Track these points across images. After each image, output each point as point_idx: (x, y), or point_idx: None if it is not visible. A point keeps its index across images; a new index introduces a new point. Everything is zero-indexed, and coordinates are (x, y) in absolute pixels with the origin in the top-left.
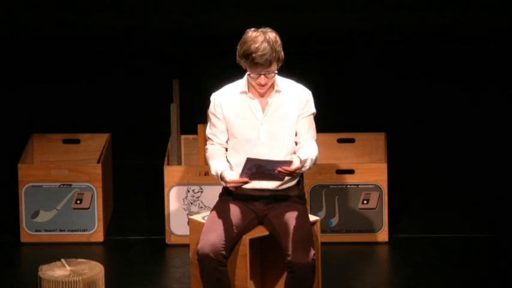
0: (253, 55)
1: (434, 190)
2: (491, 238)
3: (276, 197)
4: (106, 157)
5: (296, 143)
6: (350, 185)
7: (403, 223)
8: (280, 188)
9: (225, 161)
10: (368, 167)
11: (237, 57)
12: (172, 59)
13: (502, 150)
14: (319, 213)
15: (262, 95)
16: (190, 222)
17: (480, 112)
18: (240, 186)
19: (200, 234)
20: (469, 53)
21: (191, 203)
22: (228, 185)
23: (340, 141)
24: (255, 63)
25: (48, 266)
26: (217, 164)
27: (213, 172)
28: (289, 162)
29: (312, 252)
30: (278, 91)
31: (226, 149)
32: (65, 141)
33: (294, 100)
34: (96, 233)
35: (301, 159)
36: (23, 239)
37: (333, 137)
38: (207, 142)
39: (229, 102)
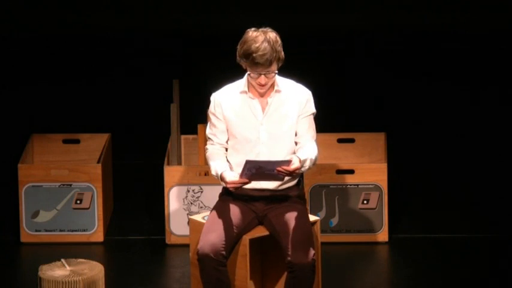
0: (254, 55)
1: (434, 190)
2: (491, 238)
3: (276, 197)
4: (106, 157)
5: (296, 143)
6: (350, 185)
7: (403, 223)
8: (280, 188)
9: (225, 161)
10: (368, 167)
11: (237, 57)
12: (172, 59)
13: (502, 150)
14: (319, 213)
15: (262, 95)
16: (190, 222)
17: (480, 112)
18: (240, 187)
19: (200, 234)
20: (469, 53)
21: (191, 203)
22: (228, 186)
23: (340, 141)
24: (255, 63)
25: (48, 266)
26: (217, 165)
27: (213, 172)
28: (289, 162)
29: (312, 252)
30: (278, 91)
31: (226, 149)
32: (65, 141)
33: (294, 100)
34: (96, 233)
35: (300, 159)
36: (23, 239)
37: (333, 137)
38: (207, 142)
39: (229, 102)
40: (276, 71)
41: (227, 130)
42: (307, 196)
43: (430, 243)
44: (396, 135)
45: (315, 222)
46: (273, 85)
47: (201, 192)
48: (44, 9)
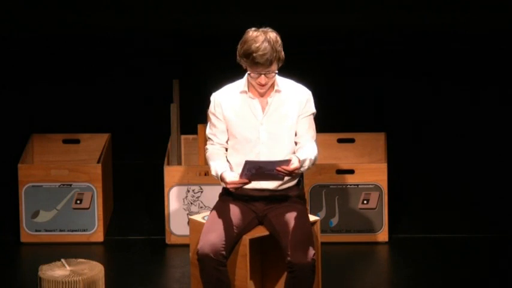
0: (254, 55)
1: (434, 190)
2: (491, 238)
3: (276, 197)
4: (106, 157)
5: (296, 143)
6: (350, 185)
7: (403, 223)
8: (280, 188)
9: (225, 162)
10: (368, 167)
11: (238, 57)
12: (172, 59)
13: (502, 150)
14: (319, 213)
15: (262, 95)
16: (190, 222)
17: (480, 112)
18: (240, 188)
19: (200, 234)
20: (469, 53)
21: (191, 203)
22: (228, 186)
23: (340, 141)
24: (256, 62)
25: (48, 266)
26: (217, 165)
27: (213, 173)
28: (288, 162)
29: (312, 252)
30: (278, 91)
31: (227, 149)
32: (65, 141)
33: (294, 100)
34: (96, 233)
35: (299, 159)
36: (23, 239)
37: (333, 137)
38: (207, 142)
39: (229, 102)
40: (276, 71)
41: (227, 130)
42: (307, 196)
43: (430, 243)
44: (396, 135)
45: (315, 222)
46: (273, 85)
47: (201, 192)
48: (44, 9)
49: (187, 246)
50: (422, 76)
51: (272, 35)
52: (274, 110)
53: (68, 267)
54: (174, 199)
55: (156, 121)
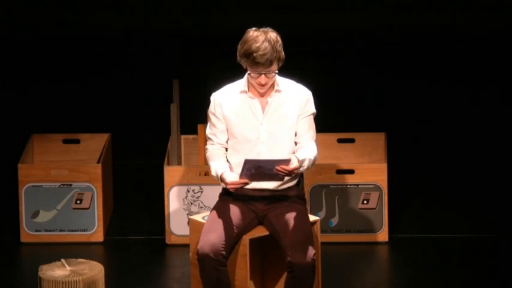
0: (254, 54)
1: (434, 190)
2: (491, 238)
3: (275, 197)
4: (106, 157)
5: (295, 143)
6: (350, 185)
7: (403, 223)
8: (280, 188)
9: (225, 162)
10: (368, 167)
11: (238, 57)
12: (172, 59)
13: (502, 150)
14: (319, 213)
15: (262, 95)
16: (190, 222)
17: (480, 112)
18: (240, 188)
19: (200, 234)
20: (469, 53)
21: (191, 203)
22: (228, 187)
23: (340, 141)
24: (256, 62)
25: (48, 266)
26: (217, 165)
27: (213, 173)
28: (287, 161)
29: (312, 252)
30: (278, 91)
31: (226, 149)
32: (65, 141)
33: (294, 100)
34: (96, 233)
35: (298, 159)
36: (23, 239)
37: (333, 137)
38: (207, 142)
39: (229, 102)
40: (276, 71)
41: (227, 130)
42: (307, 196)
43: (430, 243)
44: (396, 135)
45: (315, 222)
46: (273, 85)
47: (201, 192)
48: (44, 9)
49: (187, 246)
50: (422, 76)
51: (272, 35)
52: (274, 110)
53: (68, 267)
54: (174, 199)
55: (156, 121)
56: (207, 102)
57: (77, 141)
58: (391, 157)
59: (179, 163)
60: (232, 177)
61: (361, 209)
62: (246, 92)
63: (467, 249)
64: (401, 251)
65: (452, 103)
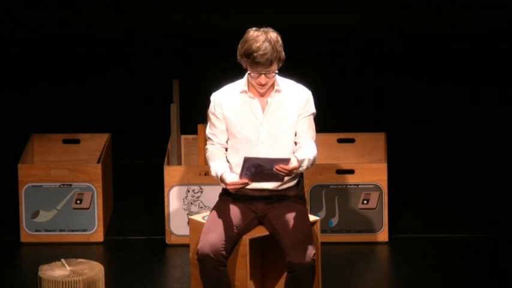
0: (254, 54)
1: (434, 190)
2: (491, 238)
3: (275, 197)
4: (106, 157)
5: (295, 143)
6: (350, 185)
7: (403, 223)
8: (280, 188)
9: (225, 162)
10: (368, 167)
11: (238, 56)
12: (172, 59)
13: (502, 150)
14: (319, 213)
15: (262, 95)
16: (190, 222)
17: (480, 112)
18: (240, 189)
19: (200, 234)
20: (469, 53)
21: (191, 203)
22: (229, 187)
23: (340, 141)
24: (256, 62)
25: (48, 266)
26: (217, 166)
27: (213, 173)
28: (287, 160)
29: (312, 252)
30: (278, 91)
31: (226, 149)
32: (65, 141)
33: (294, 100)
34: (96, 233)
35: (298, 159)
36: (23, 239)
37: (333, 137)
38: (207, 142)
39: (229, 102)
40: (277, 71)
41: (227, 130)
42: (307, 196)
43: (430, 243)
44: (396, 135)
45: (315, 222)
46: (273, 85)
47: (201, 192)
48: (44, 9)
49: (187, 246)
50: (422, 76)
51: (273, 35)
52: (274, 109)
53: (68, 267)
54: (174, 199)
55: (156, 121)
56: (207, 102)
57: (77, 141)
58: (391, 157)
59: (179, 163)
60: (232, 177)
61: (361, 209)
62: (246, 92)
63: (467, 249)
64: (401, 251)
65: (452, 103)
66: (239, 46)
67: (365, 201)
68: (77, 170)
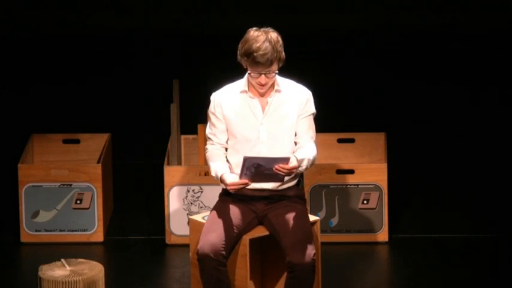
0: (255, 54)
1: (434, 190)
2: (491, 238)
3: (275, 197)
4: (106, 157)
5: (295, 143)
6: (350, 185)
7: (403, 223)
8: (279, 188)
9: (225, 162)
10: (368, 167)
11: (238, 56)
12: (172, 59)
13: (502, 150)
14: (319, 213)
15: (262, 95)
16: (190, 222)
17: (480, 112)
18: (241, 189)
19: (200, 234)
20: (469, 53)
21: (191, 203)
22: (229, 188)
23: (340, 141)
24: (256, 62)
25: (48, 266)
26: (217, 166)
27: (213, 174)
28: (287, 159)
29: (312, 252)
30: (278, 91)
31: (226, 149)
32: (65, 141)
33: (294, 100)
34: (96, 233)
35: (297, 159)
36: (23, 239)
37: (333, 137)
38: (207, 142)
39: (229, 101)
40: (277, 71)
41: (227, 130)
42: (307, 196)
43: (430, 243)
44: (396, 135)
45: (315, 222)
46: (273, 85)
47: (201, 192)
48: (44, 9)
49: (187, 246)
50: (422, 76)
51: (273, 35)
52: (274, 109)
53: (68, 267)
54: (174, 199)
55: (156, 121)
56: (207, 102)
57: (77, 141)
58: (391, 157)
59: (179, 163)
60: (232, 178)
61: (361, 209)
62: (246, 91)
63: (467, 249)
64: (401, 251)
65: (452, 103)
66: (239, 46)
67: (365, 201)
68: (77, 170)
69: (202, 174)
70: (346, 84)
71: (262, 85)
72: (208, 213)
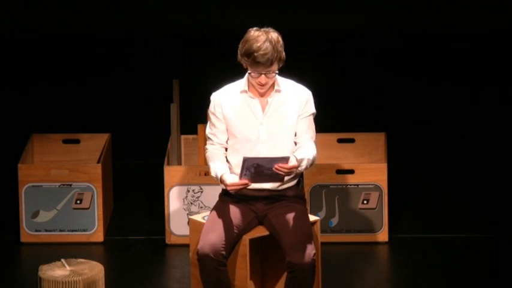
0: (255, 54)
1: (434, 190)
2: (491, 238)
3: (275, 197)
4: (106, 157)
5: (295, 143)
6: (350, 185)
7: (403, 223)
8: (279, 188)
9: (225, 163)
10: (368, 167)
11: (238, 56)
12: (172, 59)
13: (502, 150)
14: (319, 213)
15: (262, 95)
16: (190, 222)
17: (480, 112)
18: (241, 190)
19: (200, 234)
20: (469, 53)
21: (191, 203)
22: (229, 188)
23: (340, 141)
24: (256, 62)
25: (48, 266)
26: (217, 166)
27: (212, 174)
28: (286, 159)
29: (312, 252)
30: (278, 91)
31: (226, 149)
32: (65, 141)
33: (294, 100)
34: (96, 233)
35: (297, 158)
36: (23, 239)
37: (333, 137)
38: (207, 142)
39: (229, 101)
40: (277, 71)
41: (227, 130)
42: (307, 196)
43: (430, 243)
44: (396, 135)
45: (315, 222)
46: (273, 85)
47: (201, 192)
48: (44, 9)
49: (187, 246)
50: (422, 76)
51: (274, 35)
52: (274, 109)
53: (68, 267)
54: (174, 199)
55: (156, 121)
56: (207, 102)
57: (77, 141)
58: (391, 157)
59: (179, 163)
60: (232, 178)
61: (361, 209)
62: (246, 91)
63: (467, 249)
64: (401, 251)
65: (452, 103)
66: (240, 46)
67: (365, 201)
68: (77, 170)
69: (202, 174)
70: (346, 84)
71: (262, 85)
72: (208, 213)
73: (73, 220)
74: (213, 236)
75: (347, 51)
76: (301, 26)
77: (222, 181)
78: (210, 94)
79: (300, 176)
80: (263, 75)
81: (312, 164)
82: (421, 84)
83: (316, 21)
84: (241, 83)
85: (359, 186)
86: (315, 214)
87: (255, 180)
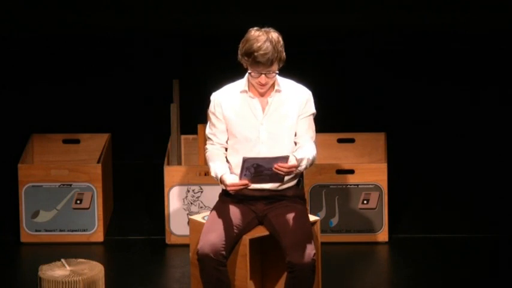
0: (255, 54)
1: (434, 190)
2: (491, 238)
3: (275, 197)
4: (106, 157)
5: (295, 143)
6: (350, 185)
7: (403, 223)
8: (279, 188)
9: (225, 163)
10: (368, 167)
11: (239, 56)
12: (172, 59)
13: (502, 150)
14: (319, 213)
15: (262, 95)
16: (190, 222)
17: (480, 112)
18: (240, 190)
19: (200, 234)
20: (469, 53)
21: (191, 203)
22: (229, 189)
23: (340, 141)
24: (257, 62)
25: (48, 266)
26: (217, 167)
27: (212, 174)
28: (286, 158)
29: (312, 252)
30: (278, 91)
31: (226, 149)
32: (65, 141)
33: (294, 100)
34: (96, 233)
35: (297, 158)
36: (23, 239)
37: (333, 137)
38: (207, 142)
39: (229, 101)
40: (277, 71)
41: (227, 130)
42: (307, 196)
43: (430, 243)
44: (396, 135)
45: (315, 222)
46: (273, 85)
47: (201, 192)
48: (44, 9)
49: (187, 246)
50: (422, 76)
51: (274, 35)
52: (274, 109)
53: (68, 267)
54: (174, 199)
55: (156, 121)
56: (207, 102)
57: (77, 141)
58: (391, 157)
59: (179, 163)
60: (232, 179)
61: (361, 209)
62: (246, 91)
63: (467, 249)
64: (401, 251)
65: (452, 103)
66: (240, 45)
67: (365, 201)
68: (77, 170)
69: (202, 174)
70: (346, 84)
71: (263, 85)
72: (208, 213)
73: (73, 220)
74: (213, 236)
75: (347, 51)
76: (301, 26)
77: (222, 181)
78: (210, 94)
79: (300, 176)
80: (263, 75)
81: (312, 164)
82: (421, 84)
83: (316, 21)
84: (241, 83)
85: (359, 186)
86: (315, 214)
87: (254, 180)
